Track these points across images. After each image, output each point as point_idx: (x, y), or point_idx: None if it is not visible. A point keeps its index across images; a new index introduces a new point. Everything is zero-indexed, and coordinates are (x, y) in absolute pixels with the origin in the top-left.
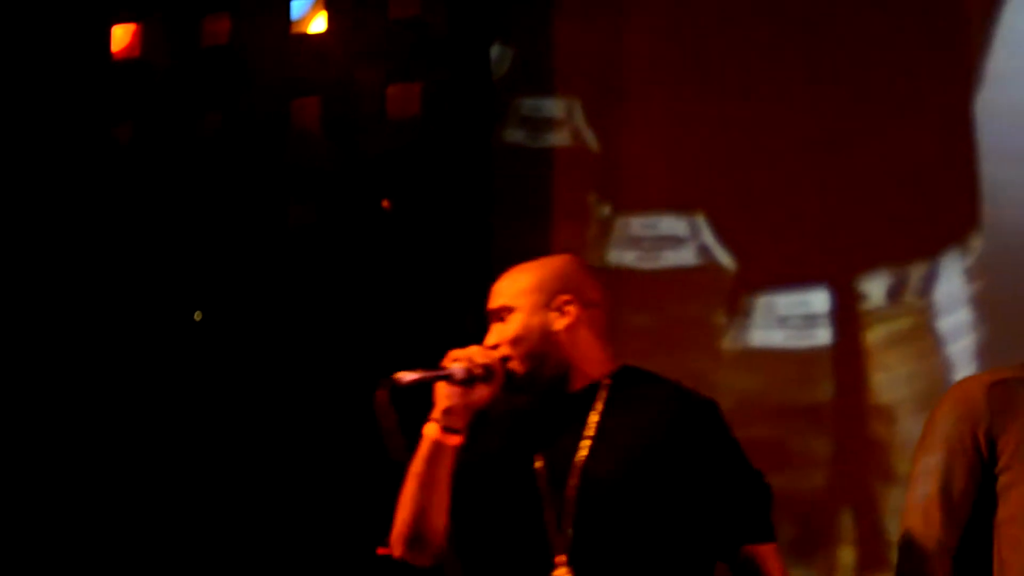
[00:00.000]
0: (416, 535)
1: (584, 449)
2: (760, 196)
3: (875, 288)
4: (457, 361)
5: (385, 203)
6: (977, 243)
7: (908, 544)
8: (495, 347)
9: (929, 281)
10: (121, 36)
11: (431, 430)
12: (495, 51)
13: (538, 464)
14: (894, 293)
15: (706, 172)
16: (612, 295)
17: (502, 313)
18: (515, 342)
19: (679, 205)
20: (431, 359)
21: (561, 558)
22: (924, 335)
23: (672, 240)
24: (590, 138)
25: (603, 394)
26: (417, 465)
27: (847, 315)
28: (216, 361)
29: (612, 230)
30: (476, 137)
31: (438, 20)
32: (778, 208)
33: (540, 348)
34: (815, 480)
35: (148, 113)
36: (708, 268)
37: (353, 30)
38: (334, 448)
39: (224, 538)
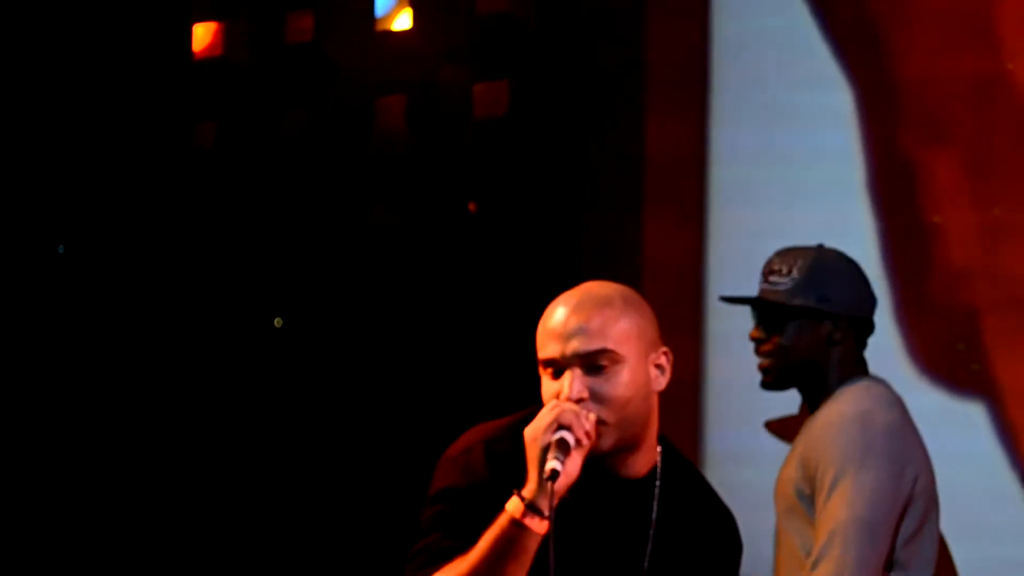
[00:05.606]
0: None
1: (645, 573)
2: None
3: None
4: (564, 425)
5: (471, 206)
6: None
7: None
8: (578, 401)
9: None
10: (203, 35)
11: (515, 509)
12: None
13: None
14: None
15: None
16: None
17: (601, 359)
18: (620, 404)
19: None
20: (515, 366)
21: None
22: None
23: None
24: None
25: (657, 492)
26: (489, 554)
27: None
28: (298, 364)
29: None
30: (565, 136)
31: (527, 15)
32: None
33: (639, 416)
34: None
35: (231, 112)
36: None
37: (439, 26)
38: (421, 452)
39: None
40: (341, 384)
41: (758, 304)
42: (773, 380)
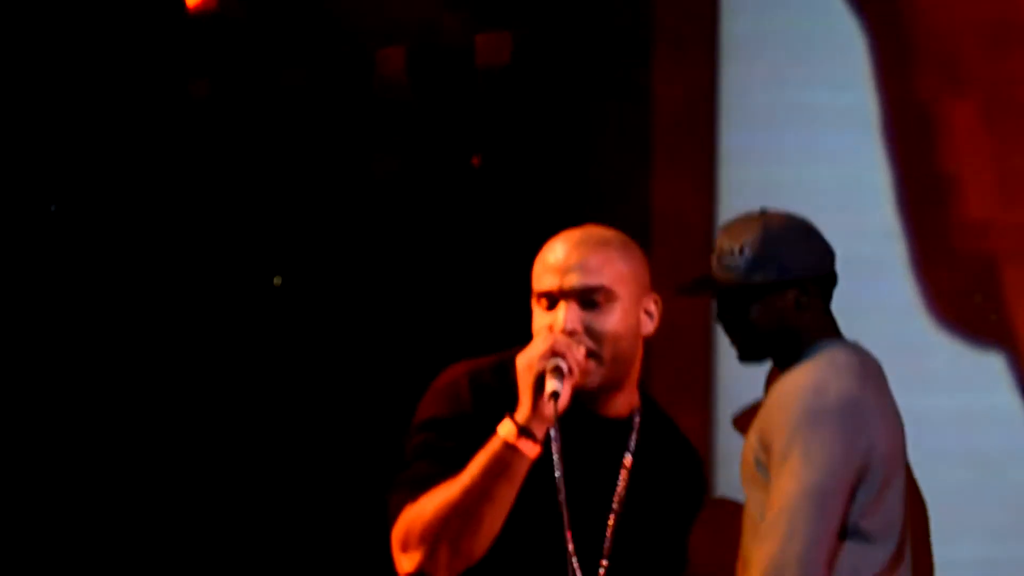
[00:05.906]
0: (458, 561)
1: (616, 511)
2: None
3: None
4: (558, 352)
5: (475, 160)
6: None
7: None
8: (570, 333)
9: None
10: None
11: (508, 432)
12: None
13: (560, 498)
14: None
15: None
16: None
17: (597, 296)
18: (612, 340)
19: None
20: (520, 318)
21: None
22: None
23: None
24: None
25: (635, 435)
26: (481, 477)
27: None
28: (299, 322)
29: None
30: (570, 86)
31: None
32: None
33: (626, 356)
34: None
35: (226, 67)
36: None
37: None
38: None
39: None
40: (343, 340)
41: (718, 289)
42: (749, 355)
